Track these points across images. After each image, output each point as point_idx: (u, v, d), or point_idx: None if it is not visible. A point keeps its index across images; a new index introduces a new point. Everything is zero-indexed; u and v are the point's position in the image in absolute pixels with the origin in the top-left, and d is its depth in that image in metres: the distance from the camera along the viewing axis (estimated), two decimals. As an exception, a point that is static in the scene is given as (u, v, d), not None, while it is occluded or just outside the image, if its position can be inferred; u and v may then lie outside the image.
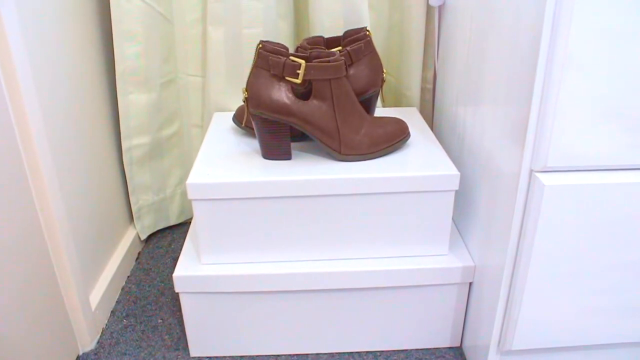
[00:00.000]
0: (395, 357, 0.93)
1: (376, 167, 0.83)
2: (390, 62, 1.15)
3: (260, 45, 0.81)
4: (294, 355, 0.94)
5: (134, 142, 1.11)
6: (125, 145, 1.11)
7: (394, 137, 0.87)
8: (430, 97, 1.15)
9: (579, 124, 0.64)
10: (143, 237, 1.23)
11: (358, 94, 0.91)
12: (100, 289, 1.01)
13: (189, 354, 0.94)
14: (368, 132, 0.85)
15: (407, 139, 0.89)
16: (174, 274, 0.86)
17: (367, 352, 0.94)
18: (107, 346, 0.96)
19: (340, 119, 0.83)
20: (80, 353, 0.94)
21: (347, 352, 0.94)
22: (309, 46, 0.90)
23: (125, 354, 0.94)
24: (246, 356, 0.94)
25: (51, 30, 0.86)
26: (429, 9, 1.06)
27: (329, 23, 1.04)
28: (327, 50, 0.87)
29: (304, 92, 0.83)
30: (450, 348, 0.95)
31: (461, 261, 0.87)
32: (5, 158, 0.74)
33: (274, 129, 0.83)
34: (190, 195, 0.81)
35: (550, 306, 0.75)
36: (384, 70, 0.95)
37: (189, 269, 0.87)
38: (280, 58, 0.80)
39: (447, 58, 1.01)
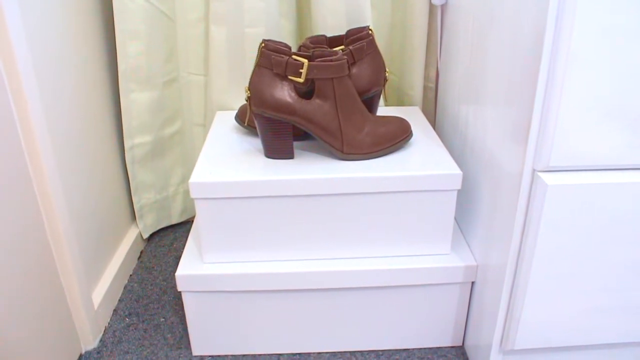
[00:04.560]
0: (397, 356, 0.93)
1: (378, 167, 0.83)
2: (393, 61, 1.15)
3: (263, 44, 0.81)
4: (296, 354, 0.94)
5: (136, 140, 1.11)
6: (127, 144, 1.11)
7: (396, 137, 0.86)
8: (433, 96, 1.15)
9: (582, 124, 0.64)
10: (145, 235, 1.23)
11: (360, 93, 0.91)
12: (102, 287, 1.01)
13: (191, 353, 0.94)
14: (370, 131, 0.85)
15: (409, 138, 0.89)
16: (177, 273, 0.86)
17: (369, 351, 0.94)
18: (110, 345, 0.96)
19: (343, 118, 0.83)
20: (83, 351, 0.94)
21: (349, 351, 0.94)
22: (312, 45, 0.90)
23: (128, 352, 0.94)
24: (248, 355, 0.94)
25: (54, 28, 0.86)
26: (431, 7, 1.06)
27: (331, 22, 1.04)
28: (329, 49, 0.87)
29: (306, 91, 0.83)
30: (452, 347, 0.95)
31: (463, 260, 0.87)
32: (8, 157, 0.74)
33: (277, 128, 0.83)
34: (192, 194, 0.81)
35: (552, 306, 0.75)
36: (387, 69, 0.95)
37: (192, 267, 0.87)
38: (282, 57, 0.80)
39: (449, 57, 1.01)
